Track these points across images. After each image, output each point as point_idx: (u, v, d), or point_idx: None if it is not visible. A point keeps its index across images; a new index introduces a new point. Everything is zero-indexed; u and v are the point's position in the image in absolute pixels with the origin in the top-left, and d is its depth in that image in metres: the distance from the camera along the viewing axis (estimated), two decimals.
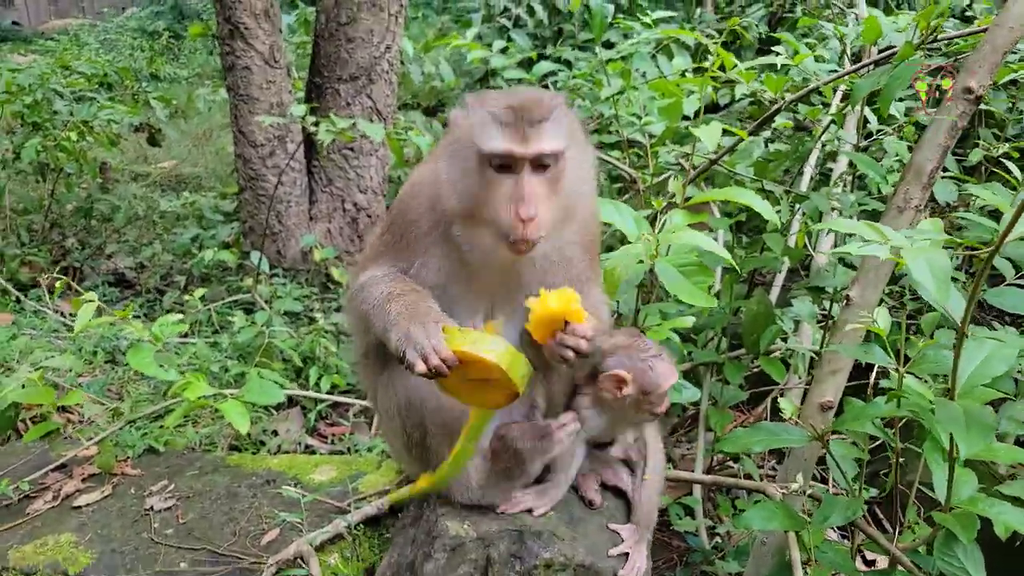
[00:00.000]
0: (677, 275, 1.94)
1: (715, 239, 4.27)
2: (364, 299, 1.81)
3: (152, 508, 2.94)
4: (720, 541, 3.23)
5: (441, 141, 1.86)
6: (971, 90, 2.29)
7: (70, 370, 3.97)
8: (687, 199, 2.48)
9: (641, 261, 2.04)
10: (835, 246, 3.58)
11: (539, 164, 1.66)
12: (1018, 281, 2.47)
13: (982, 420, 1.71)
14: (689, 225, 2.19)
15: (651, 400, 1.91)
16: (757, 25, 6.24)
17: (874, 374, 3.33)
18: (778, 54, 3.28)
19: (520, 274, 1.85)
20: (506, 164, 1.65)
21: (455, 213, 1.74)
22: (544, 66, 4.95)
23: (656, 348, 1.96)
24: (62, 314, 4.80)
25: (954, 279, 2.64)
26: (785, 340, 3.55)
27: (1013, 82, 3.82)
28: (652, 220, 2.39)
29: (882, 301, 3.68)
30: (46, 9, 17.46)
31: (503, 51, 5.17)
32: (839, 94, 3.78)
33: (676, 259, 2.00)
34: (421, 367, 1.53)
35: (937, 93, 2.39)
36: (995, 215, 2.54)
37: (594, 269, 2.02)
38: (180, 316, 3.27)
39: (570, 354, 1.63)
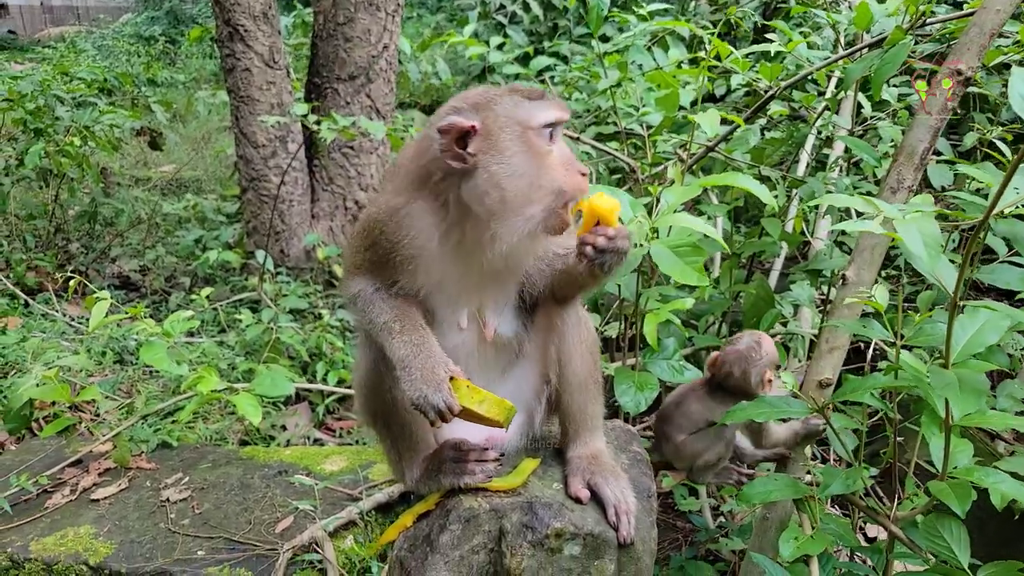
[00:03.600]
0: (671, 256, 2.00)
1: (713, 226, 4.35)
2: (367, 319, 1.88)
3: (168, 499, 3.00)
4: (724, 520, 3.29)
5: (416, 165, 1.82)
6: (960, 72, 2.35)
7: (81, 370, 4.03)
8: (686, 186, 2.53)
9: (639, 244, 2.09)
10: (832, 233, 3.63)
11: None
12: (1010, 258, 2.52)
13: (976, 385, 1.77)
14: (683, 204, 2.24)
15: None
16: (752, 14, 6.28)
17: (870, 355, 3.39)
18: (772, 42, 3.34)
19: (512, 271, 1.91)
20: (550, 134, 1.74)
21: (512, 210, 1.72)
22: (541, 61, 5.01)
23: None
24: (70, 317, 4.85)
25: (952, 261, 2.70)
26: (785, 324, 3.60)
27: (1007, 66, 3.86)
28: (651, 207, 2.46)
29: (877, 281, 3.74)
30: (41, 17, 17.51)
31: (500, 47, 5.23)
32: (834, 80, 3.83)
33: (671, 241, 2.05)
34: (439, 424, 1.75)
35: (937, 92, 2.43)
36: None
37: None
38: (190, 313, 3.32)
39: (588, 249, 1.74)
